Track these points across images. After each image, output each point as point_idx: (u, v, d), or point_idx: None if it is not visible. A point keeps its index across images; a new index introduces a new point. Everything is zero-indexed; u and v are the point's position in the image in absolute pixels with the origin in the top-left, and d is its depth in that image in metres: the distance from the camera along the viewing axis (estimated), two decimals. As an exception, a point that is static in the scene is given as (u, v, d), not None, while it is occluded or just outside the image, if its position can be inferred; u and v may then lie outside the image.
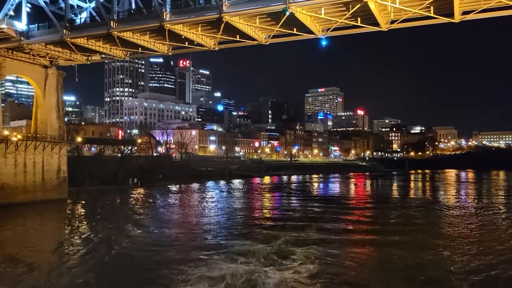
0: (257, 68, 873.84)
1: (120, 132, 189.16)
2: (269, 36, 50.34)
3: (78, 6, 59.21)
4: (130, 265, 32.59)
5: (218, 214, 60.24)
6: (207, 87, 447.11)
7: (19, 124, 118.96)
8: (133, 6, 55.14)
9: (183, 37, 50.18)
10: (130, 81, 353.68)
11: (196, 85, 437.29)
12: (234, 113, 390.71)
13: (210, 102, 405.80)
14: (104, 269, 31.88)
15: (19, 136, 65.25)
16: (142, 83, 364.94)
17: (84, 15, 60.49)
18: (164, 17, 45.33)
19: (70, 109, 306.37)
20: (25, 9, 55.12)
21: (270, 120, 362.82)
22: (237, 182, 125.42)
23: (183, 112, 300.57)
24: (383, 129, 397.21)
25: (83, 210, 64.97)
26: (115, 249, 37.49)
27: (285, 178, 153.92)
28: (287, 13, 40.32)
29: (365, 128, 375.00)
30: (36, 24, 55.79)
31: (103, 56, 63.48)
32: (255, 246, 37.07)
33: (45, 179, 66.53)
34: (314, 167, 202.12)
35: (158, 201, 77.93)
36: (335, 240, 40.48)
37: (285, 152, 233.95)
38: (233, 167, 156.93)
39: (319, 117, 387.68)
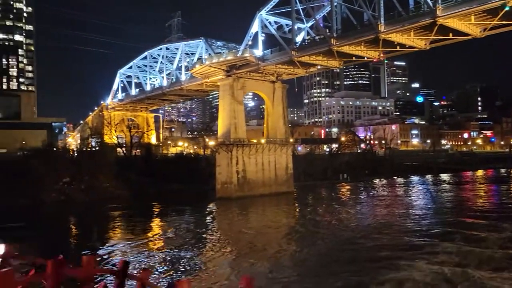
0: (459, 52, 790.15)
1: (322, 131, 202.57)
2: (484, 29, 50.49)
3: (297, 27, 69.90)
4: (339, 252, 34.96)
5: (426, 209, 59.01)
6: (403, 78, 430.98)
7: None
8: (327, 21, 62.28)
9: (395, 42, 54.67)
10: (326, 82, 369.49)
11: (391, 78, 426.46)
12: (436, 104, 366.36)
13: (408, 94, 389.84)
14: (312, 254, 35.68)
15: (260, 140, 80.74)
16: (337, 82, 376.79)
17: (301, 35, 70.97)
18: (379, 29, 50.82)
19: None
20: (261, 38, 68.37)
21: (480, 108, 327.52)
22: (445, 176, 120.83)
23: (380, 107, 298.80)
24: None
25: (308, 201, 75.32)
26: (328, 238, 42.03)
27: (503, 171, 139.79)
28: (507, 8, 40.81)
29: None
30: (269, 49, 68.54)
31: (319, 67, 72.84)
32: (467, 247, 33.70)
33: (277, 175, 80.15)
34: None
35: (369, 195, 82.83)
36: None
37: (502, 143, 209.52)
38: (440, 160, 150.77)
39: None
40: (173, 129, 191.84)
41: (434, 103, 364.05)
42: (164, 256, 36.01)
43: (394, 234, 41.72)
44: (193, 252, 37.10)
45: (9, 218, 53.86)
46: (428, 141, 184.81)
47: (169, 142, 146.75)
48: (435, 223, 47.57)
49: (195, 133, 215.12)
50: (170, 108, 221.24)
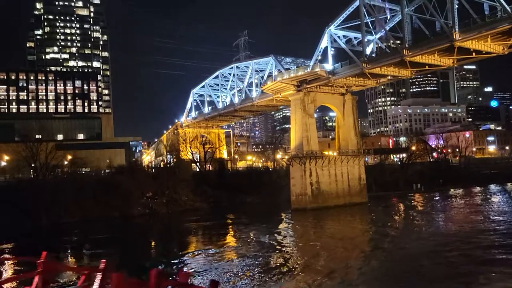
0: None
1: (390, 141, 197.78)
2: None
3: (367, 40, 70.63)
4: (412, 266, 35.14)
5: (506, 221, 56.16)
6: (474, 83, 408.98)
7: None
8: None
9: (471, 49, 53.96)
10: (391, 90, 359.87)
11: (461, 82, 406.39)
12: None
13: (480, 98, 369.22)
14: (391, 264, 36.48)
15: (330, 153, 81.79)
16: (403, 90, 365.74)
17: (370, 46, 71.57)
18: (454, 37, 50.65)
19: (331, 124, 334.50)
20: (330, 52, 70.08)
21: None
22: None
23: (450, 114, 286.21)
24: None
25: (384, 212, 74.61)
26: (409, 250, 41.78)
27: None
28: None
29: None
30: (340, 63, 69.95)
31: (390, 77, 72.90)
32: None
33: (350, 186, 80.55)
34: None
35: (446, 205, 79.98)
36: None
37: None
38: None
39: None
40: (239, 144, 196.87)
41: (510, 107, 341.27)
42: (247, 266, 37.50)
43: (480, 249, 40.13)
44: (273, 263, 38.58)
45: (109, 229, 59.62)
46: (507, 147, 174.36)
47: (236, 156, 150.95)
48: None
49: (260, 146, 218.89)
50: (234, 123, 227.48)
